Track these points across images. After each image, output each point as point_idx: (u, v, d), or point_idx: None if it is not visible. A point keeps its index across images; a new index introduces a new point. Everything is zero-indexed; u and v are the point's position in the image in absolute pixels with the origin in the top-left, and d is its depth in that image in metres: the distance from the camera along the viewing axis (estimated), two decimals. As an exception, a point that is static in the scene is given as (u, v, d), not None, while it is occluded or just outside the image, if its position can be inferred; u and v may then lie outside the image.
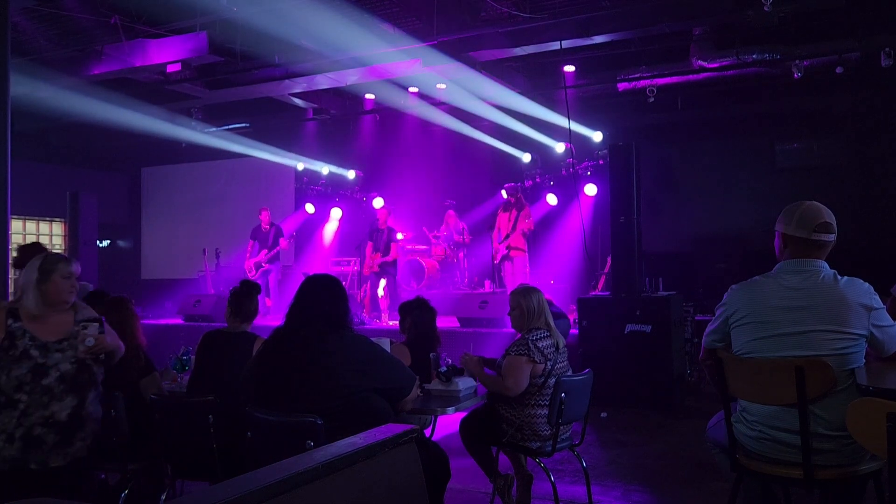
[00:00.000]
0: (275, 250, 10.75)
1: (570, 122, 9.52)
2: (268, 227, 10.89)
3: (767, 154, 11.23)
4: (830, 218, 2.70)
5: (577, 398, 3.74)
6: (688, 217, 11.41)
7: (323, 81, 10.36)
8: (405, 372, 3.13)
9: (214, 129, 13.14)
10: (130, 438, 3.63)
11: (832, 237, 2.70)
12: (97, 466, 3.66)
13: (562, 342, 3.82)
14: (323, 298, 3.04)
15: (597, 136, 10.95)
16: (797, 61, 9.22)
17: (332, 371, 2.86)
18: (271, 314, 9.92)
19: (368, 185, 12.86)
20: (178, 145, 13.82)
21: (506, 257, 9.71)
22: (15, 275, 4.37)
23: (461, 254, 10.90)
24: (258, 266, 10.67)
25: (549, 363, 3.67)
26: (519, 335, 3.84)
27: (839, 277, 2.66)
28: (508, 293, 8.98)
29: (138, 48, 9.42)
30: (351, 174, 12.98)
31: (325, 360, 2.88)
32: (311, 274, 3.23)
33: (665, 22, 8.42)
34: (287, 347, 2.97)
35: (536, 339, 3.69)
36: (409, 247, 11.09)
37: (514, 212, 9.69)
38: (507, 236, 9.60)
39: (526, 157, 11.66)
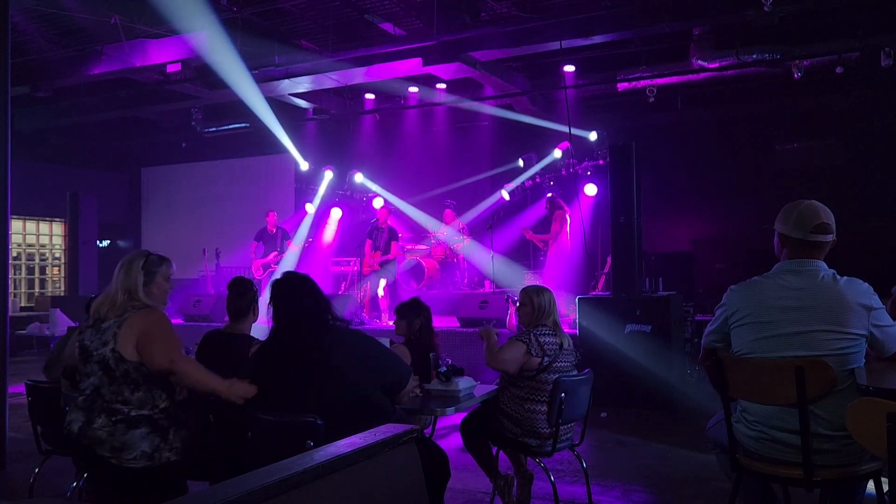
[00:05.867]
0: (284, 253, 10.70)
1: (570, 121, 9.51)
2: (274, 229, 10.82)
3: (767, 154, 11.22)
4: (828, 218, 2.69)
5: (577, 398, 3.75)
6: (688, 217, 11.41)
7: (323, 81, 10.36)
8: (402, 362, 3.18)
9: (214, 129, 13.12)
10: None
11: (830, 237, 2.68)
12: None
13: (567, 342, 3.85)
14: (300, 296, 3.02)
15: (596, 136, 10.94)
16: (797, 61, 9.21)
17: (336, 368, 2.87)
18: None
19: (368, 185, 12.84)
20: (178, 145, 13.83)
21: (539, 251, 10.16)
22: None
23: (461, 254, 10.89)
24: (266, 267, 10.61)
25: (546, 358, 3.71)
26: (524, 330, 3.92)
27: (838, 277, 2.66)
28: (543, 278, 9.26)
29: (138, 48, 9.41)
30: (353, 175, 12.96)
31: (326, 358, 2.88)
32: (279, 277, 3.20)
33: (665, 22, 8.41)
34: (285, 349, 2.96)
35: (539, 335, 3.77)
36: (409, 247, 11.08)
37: (547, 214, 9.96)
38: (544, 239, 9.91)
39: (521, 162, 11.65)
